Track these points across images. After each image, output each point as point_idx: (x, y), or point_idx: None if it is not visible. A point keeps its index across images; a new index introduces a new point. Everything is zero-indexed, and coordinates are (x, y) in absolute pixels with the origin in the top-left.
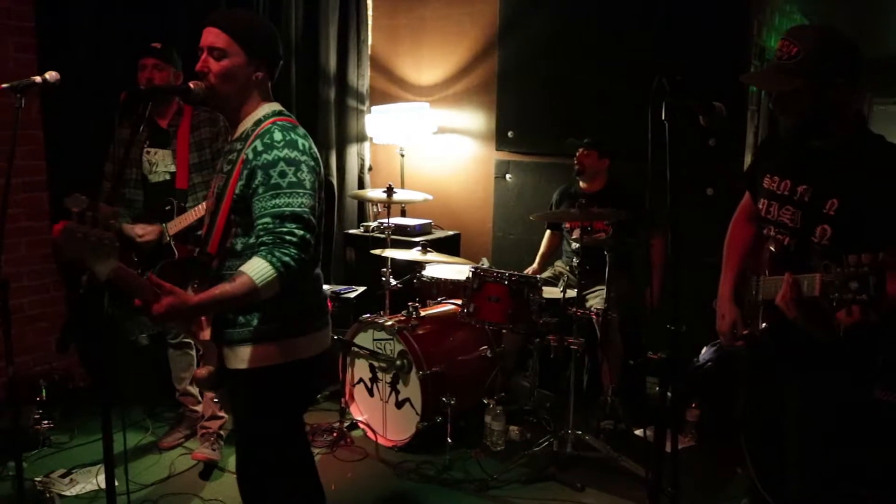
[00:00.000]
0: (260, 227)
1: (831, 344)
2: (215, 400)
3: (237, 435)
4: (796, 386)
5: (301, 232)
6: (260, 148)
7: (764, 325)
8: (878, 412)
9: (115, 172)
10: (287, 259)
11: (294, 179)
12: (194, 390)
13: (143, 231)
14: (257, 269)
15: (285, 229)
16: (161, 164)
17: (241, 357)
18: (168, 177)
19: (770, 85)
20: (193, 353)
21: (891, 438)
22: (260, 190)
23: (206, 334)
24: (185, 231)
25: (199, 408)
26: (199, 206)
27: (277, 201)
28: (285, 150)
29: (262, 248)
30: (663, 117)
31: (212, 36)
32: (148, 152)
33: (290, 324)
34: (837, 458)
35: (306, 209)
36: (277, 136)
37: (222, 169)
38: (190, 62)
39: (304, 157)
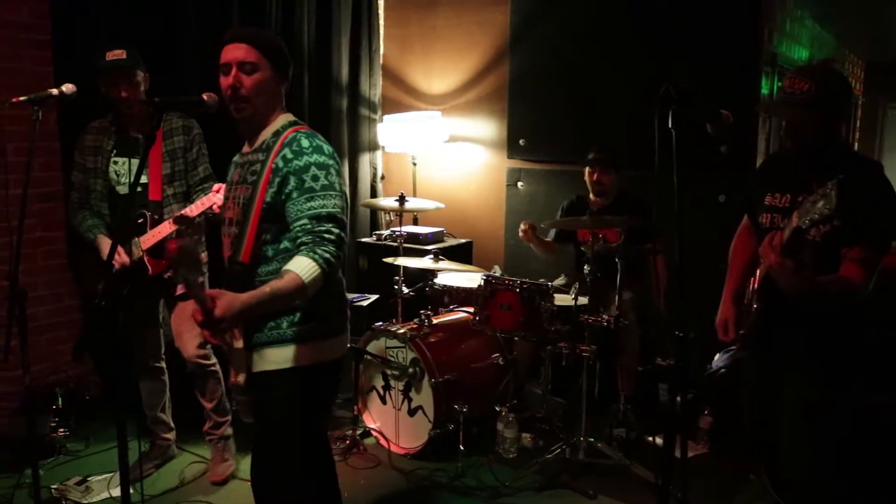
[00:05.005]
0: (298, 228)
1: (815, 322)
2: (233, 407)
3: (256, 438)
4: (791, 384)
5: (337, 230)
6: (290, 155)
7: (756, 306)
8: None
9: (133, 183)
10: (328, 256)
11: (326, 182)
12: (166, 417)
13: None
14: (303, 266)
15: (323, 228)
16: (129, 175)
17: (270, 359)
18: (138, 188)
19: (787, 116)
20: (165, 378)
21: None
22: (294, 194)
23: (240, 343)
24: (159, 245)
25: (170, 436)
26: (168, 220)
27: (313, 203)
28: (315, 156)
29: (303, 247)
30: (670, 125)
31: (241, 51)
32: (115, 162)
33: (320, 326)
34: (833, 457)
35: (339, 209)
36: (305, 142)
37: (245, 180)
38: (199, 74)
39: (331, 161)
